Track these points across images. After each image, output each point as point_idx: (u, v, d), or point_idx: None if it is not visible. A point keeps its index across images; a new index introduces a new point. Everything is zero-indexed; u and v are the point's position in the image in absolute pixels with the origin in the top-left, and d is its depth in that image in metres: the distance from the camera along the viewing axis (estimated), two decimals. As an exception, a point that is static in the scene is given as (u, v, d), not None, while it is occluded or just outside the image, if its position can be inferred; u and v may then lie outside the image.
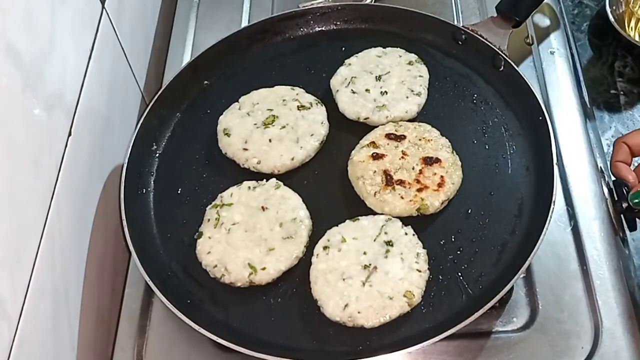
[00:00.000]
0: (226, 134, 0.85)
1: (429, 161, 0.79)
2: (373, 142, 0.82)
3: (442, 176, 0.78)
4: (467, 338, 0.73)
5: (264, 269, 0.73)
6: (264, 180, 0.81)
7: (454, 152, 0.81)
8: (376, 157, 0.80)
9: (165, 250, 0.79)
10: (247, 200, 0.79)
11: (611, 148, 0.95)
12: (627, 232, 0.83)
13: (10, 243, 0.57)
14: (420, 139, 0.82)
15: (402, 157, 0.80)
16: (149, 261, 0.74)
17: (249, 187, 0.80)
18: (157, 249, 0.79)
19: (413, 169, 0.79)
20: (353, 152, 0.82)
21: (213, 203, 0.79)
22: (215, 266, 0.74)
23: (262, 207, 0.78)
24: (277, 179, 0.81)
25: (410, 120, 0.86)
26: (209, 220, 0.78)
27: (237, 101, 0.88)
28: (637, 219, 0.82)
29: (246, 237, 0.76)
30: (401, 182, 0.78)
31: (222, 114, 0.87)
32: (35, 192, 0.63)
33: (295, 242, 0.75)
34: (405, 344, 0.67)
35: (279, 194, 0.79)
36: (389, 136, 0.82)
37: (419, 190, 0.77)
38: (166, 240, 0.80)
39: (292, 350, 0.70)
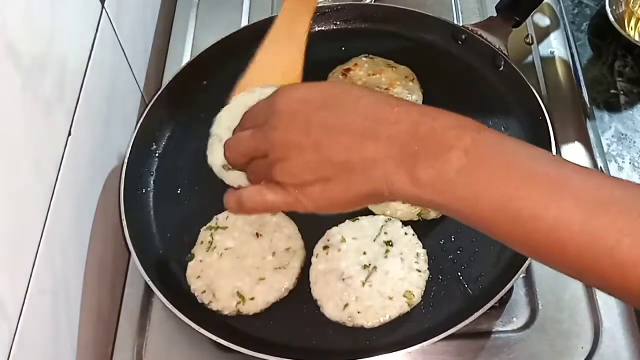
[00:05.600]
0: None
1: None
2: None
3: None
4: (467, 338, 0.73)
5: (252, 299, 0.72)
6: None
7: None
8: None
9: (165, 250, 0.79)
10: (242, 225, 0.77)
11: (611, 148, 0.95)
12: (627, 232, 0.83)
13: (10, 243, 0.57)
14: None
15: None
16: (149, 261, 0.74)
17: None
18: (157, 249, 0.79)
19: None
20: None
21: (208, 225, 0.78)
22: (204, 292, 0.73)
23: (257, 234, 0.77)
24: None
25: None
26: (202, 242, 0.77)
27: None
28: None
29: (238, 264, 0.74)
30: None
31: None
32: (35, 192, 0.63)
33: (286, 274, 0.74)
34: (405, 344, 0.67)
35: (274, 221, 0.78)
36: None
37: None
38: (166, 240, 0.80)
39: (292, 350, 0.70)
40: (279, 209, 0.55)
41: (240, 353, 0.67)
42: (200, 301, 0.73)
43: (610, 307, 0.74)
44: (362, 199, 0.51)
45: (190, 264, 0.76)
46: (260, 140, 0.54)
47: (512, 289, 0.75)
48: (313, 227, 0.77)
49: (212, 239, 0.77)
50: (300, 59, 0.79)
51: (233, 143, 0.58)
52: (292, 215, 0.79)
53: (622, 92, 1.01)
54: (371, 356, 0.67)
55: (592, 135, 0.90)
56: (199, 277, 0.74)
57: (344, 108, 0.52)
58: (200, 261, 0.76)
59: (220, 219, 0.79)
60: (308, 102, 0.53)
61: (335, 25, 0.99)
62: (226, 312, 0.72)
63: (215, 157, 0.76)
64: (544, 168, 0.46)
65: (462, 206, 0.47)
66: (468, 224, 0.48)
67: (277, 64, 0.79)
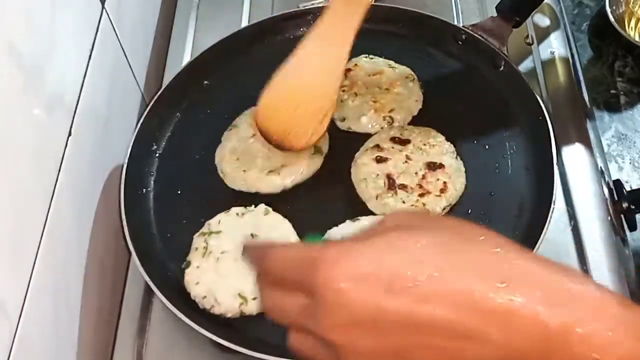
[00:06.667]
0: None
1: (433, 166, 0.79)
2: (377, 145, 0.82)
3: (444, 182, 0.78)
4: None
5: (254, 298, 0.72)
6: (253, 206, 0.79)
7: (458, 157, 0.81)
8: (380, 160, 0.80)
9: (165, 250, 0.79)
10: (235, 227, 0.77)
11: (611, 148, 0.96)
12: (627, 232, 0.83)
13: (10, 243, 0.57)
14: (425, 144, 0.81)
15: (406, 162, 0.80)
16: (149, 261, 0.74)
17: (237, 214, 0.78)
18: (157, 249, 0.79)
19: (416, 173, 0.79)
20: (357, 154, 0.82)
21: (200, 231, 0.78)
22: (205, 297, 0.73)
23: (252, 235, 0.76)
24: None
25: (410, 122, 0.86)
26: (196, 248, 0.76)
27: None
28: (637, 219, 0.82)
29: (236, 265, 0.74)
30: (403, 187, 0.78)
31: (222, 115, 0.87)
32: (35, 192, 0.63)
33: None
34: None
35: (268, 220, 0.77)
36: (393, 140, 0.82)
37: (421, 195, 0.77)
38: (166, 240, 0.80)
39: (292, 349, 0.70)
40: None
41: (241, 353, 0.67)
42: (201, 307, 0.73)
43: (610, 307, 0.74)
44: None
45: (187, 271, 0.75)
46: (317, 333, 0.39)
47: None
48: (312, 228, 0.77)
49: (207, 244, 0.76)
50: (343, 60, 0.70)
51: (277, 308, 0.43)
52: (289, 215, 0.78)
53: (622, 92, 1.01)
54: (371, 356, 0.67)
55: (592, 135, 0.90)
56: (197, 283, 0.74)
57: (422, 289, 0.36)
58: (197, 267, 0.75)
59: (212, 223, 0.78)
60: (364, 283, 0.37)
61: (335, 25, 0.98)
62: (229, 315, 0.72)
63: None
64: None
65: None
66: None
67: (317, 61, 0.69)
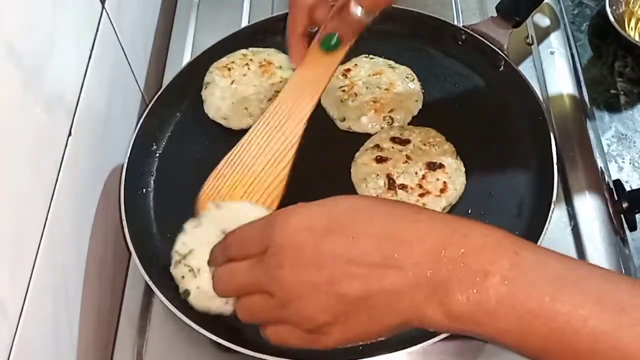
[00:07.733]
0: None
1: (433, 166, 0.79)
2: (377, 145, 0.82)
3: (444, 182, 0.78)
4: (467, 338, 0.73)
5: None
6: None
7: (458, 157, 0.81)
8: (380, 160, 0.80)
9: (165, 250, 0.78)
10: (201, 240, 0.70)
11: (611, 148, 0.95)
12: (627, 232, 0.83)
13: (10, 243, 0.57)
14: (425, 144, 0.81)
15: (406, 162, 0.80)
16: (149, 261, 0.74)
17: (194, 227, 0.72)
18: (157, 249, 0.79)
19: (416, 173, 0.79)
20: (357, 154, 0.82)
21: (174, 261, 0.71)
22: (227, 302, 0.67)
23: (223, 232, 0.67)
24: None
25: (410, 122, 0.86)
26: (183, 277, 0.70)
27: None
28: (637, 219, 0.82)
29: None
30: (403, 187, 0.78)
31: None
32: (35, 192, 0.63)
33: None
34: (405, 343, 0.67)
35: (228, 213, 0.72)
36: (393, 139, 0.82)
37: (421, 195, 0.77)
38: (166, 240, 0.79)
39: (292, 350, 0.70)
40: (299, 347, 0.52)
41: (240, 353, 0.67)
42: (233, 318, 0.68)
43: (610, 307, 0.74)
44: (386, 333, 0.47)
45: (191, 298, 0.69)
46: (262, 278, 0.49)
47: (512, 289, 0.75)
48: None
49: (190, 267, 0.70)
50: (293, 145, 0.72)
51: (225, 276, 0.53)
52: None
53: (622, 92, 1.01)
54: (371, 356, 0.67)
55: (592, 135, 0.90)
56: (210, 297, 0.67)
57: (354, 231, 0.46)
58: (197, 288, 0.69)
59: (179, 249, 0.71)
60: (312, 230, 0.46)
61: (335, 25, 0.98)
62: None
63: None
64: (597, 288, 0.41)
65: (506, 338, 0.42)
66: (513, 352, 0.44)
67: (265, 152, 0.73)
